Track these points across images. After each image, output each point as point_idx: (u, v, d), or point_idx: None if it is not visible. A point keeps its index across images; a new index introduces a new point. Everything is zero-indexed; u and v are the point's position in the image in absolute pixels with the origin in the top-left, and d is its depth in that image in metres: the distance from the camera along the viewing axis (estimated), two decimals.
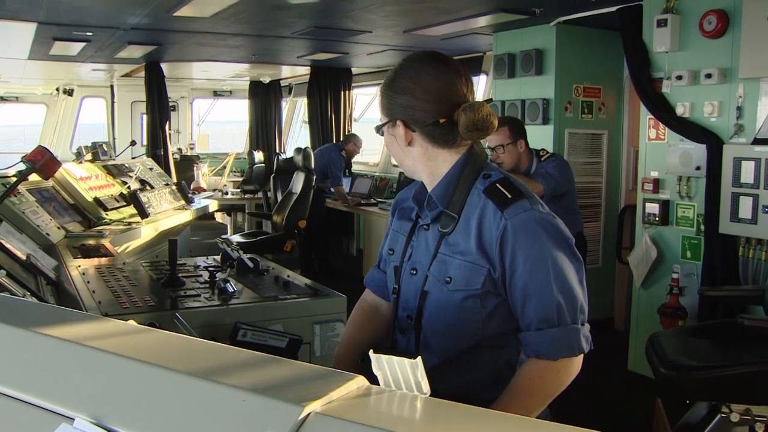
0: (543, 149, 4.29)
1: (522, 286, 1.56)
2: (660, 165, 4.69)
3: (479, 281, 1.58)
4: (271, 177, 8.37)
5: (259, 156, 10.12)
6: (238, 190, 9.58)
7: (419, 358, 0.88)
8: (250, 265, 3.51)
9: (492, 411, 0.91)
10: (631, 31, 4.81)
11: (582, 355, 1.59)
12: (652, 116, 4.71)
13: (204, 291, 3.09)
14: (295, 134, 11.87)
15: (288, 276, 3.50)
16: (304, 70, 9.74)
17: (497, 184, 1.61)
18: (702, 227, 4.38)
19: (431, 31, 6.27)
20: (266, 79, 10.85)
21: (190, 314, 2.73)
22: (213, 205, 6.87)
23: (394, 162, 9.21)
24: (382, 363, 0.90)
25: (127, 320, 2.75)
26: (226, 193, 9.34)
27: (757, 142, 3.90)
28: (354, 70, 9.68)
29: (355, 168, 9.43)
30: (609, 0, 4.92)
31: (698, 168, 4.34)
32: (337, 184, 8.06)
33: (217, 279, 3.30)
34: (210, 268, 3.47)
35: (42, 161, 2.71)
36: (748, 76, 3.99)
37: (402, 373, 0.89)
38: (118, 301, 2.85)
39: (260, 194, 9.10)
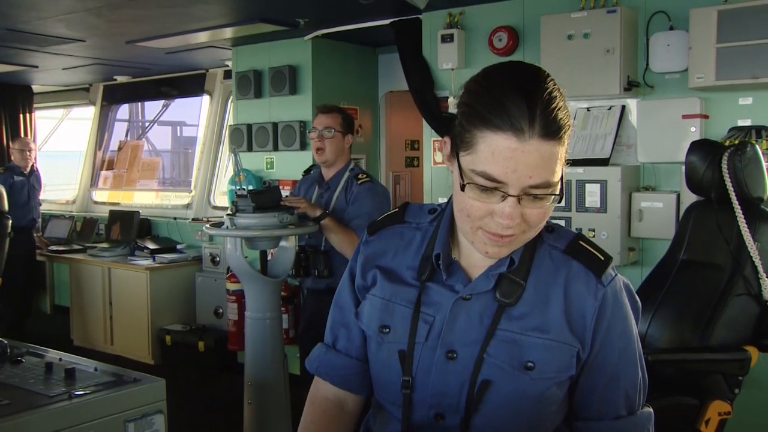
0: (364, 172, 3.84)
1: (613, 366, 1.33)
2: (449, 190, 4.54)
3: (572, 365, 1.30)
4: None
5: None
6: None
7: None
8: None
9: None
10: (409, 46, 4.63)
11: None
12: (438, 138, 4.56)
13: None
14: None
15: (60, 360, 2.69)
16: None
17: (581, 242, 1.35)
18: None
19: (159, 43, 5.50)
20: None
21: None
22: None
23: (96, 199, 8.08)
24: None
25: None
26: None
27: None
28: (35, 88, 8.29)
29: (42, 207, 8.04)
30: (380, 13, 4.70)
31: None
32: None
33: None
34: None
35: None
36: None
37: None
38: None
39: None
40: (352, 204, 3.57)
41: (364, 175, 3.65)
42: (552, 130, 1.15)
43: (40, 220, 7.15)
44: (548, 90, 1.16)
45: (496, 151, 1.14)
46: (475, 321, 1.31)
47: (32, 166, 6.94)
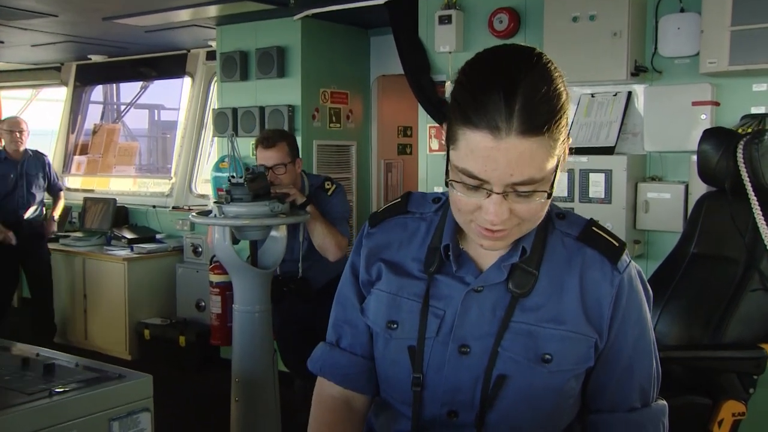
0: (328, 180, 3.84)
1: (627, 356, 1.34)
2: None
3: (591, 356, 1.31)
4: None
5: None
6: None
7: None
8: None
9: None
10: (405, 27, 4.58)
11: None
12: (434, 125, 4.52)
13: None
14: None
15: (38, 355, 2.65)
16: None
17: (594, 228, 1.36)
18: None
19: (137, 20, 5.42)
20: None
21: None
22: None
23: (69, 185, 7.98)
24: None
25: None
26: None
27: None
28: (1, 66, 8.12)
29: None
30: None
31: None
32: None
33: None
34: None
35: None
36: None
37: None
38: None
39: None
40: (327, 213, 3.68)
41: (329, 183, 3.78)
42: (533, 126, 1.11)
43: (38, 208, 6.26)
44: (534, 79, 1.13)
45: (475, 149, 1.14)
46: (488, 313, 1.30)
47: (26, 150, 6.13)
